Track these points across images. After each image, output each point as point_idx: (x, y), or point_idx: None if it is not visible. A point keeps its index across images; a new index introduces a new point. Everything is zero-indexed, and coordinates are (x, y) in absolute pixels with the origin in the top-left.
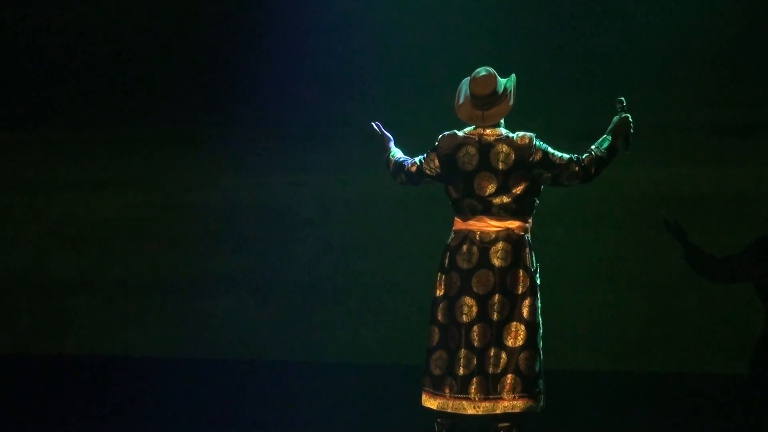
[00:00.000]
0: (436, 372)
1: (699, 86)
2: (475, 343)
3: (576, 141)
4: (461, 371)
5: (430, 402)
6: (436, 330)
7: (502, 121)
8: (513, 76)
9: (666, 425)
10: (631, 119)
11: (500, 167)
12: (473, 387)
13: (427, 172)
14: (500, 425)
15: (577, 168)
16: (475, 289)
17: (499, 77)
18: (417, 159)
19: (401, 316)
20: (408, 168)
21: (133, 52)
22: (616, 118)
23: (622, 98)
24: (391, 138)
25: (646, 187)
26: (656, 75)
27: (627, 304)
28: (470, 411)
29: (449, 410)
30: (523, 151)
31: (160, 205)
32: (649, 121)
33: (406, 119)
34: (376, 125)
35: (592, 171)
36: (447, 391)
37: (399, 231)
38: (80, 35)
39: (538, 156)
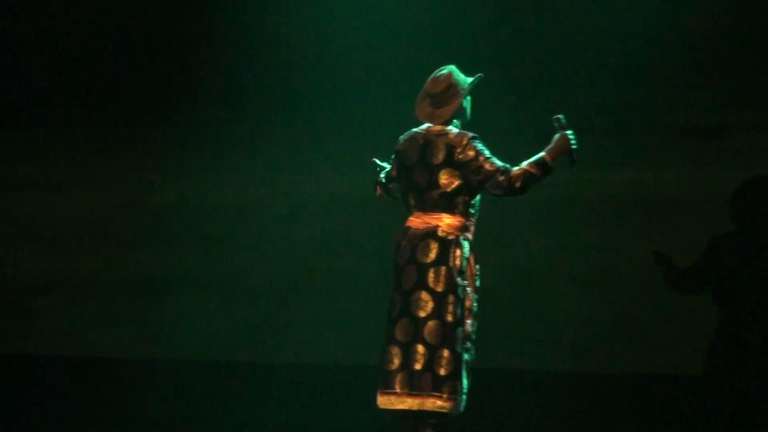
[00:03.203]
0: (381, 367)
1: (665, 87)
2: (400, 338)
3: (544, 143)
4: (389, 366)
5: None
6: (386, 326)
7: (456, 121)
8: (477, 77)
9: (629, 426)
10: (572, 136)
11: (433, 162)
12: (398, 383)
13: (393, 174)
14: (427, 422)
15: (502, 178)
16: (403, 285)
17: (456, 76)
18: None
19: (368, 317)
20: (380, 179)
21: (96, 52)
22: (556, 136)
23: (560, 116)
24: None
25: (612, 188)
26: (622, 75)
27: (591, 305)
28: (398, 406)
29: (381, 406)
30: (454, 148)
31: (126, 205)
32: (616, 123)
33: (378, 118)
34: (376, 161)
35: (518, 185)
36: (381, 386)
37: (366, 231)
38: (43, 34)
39: (466, 157)
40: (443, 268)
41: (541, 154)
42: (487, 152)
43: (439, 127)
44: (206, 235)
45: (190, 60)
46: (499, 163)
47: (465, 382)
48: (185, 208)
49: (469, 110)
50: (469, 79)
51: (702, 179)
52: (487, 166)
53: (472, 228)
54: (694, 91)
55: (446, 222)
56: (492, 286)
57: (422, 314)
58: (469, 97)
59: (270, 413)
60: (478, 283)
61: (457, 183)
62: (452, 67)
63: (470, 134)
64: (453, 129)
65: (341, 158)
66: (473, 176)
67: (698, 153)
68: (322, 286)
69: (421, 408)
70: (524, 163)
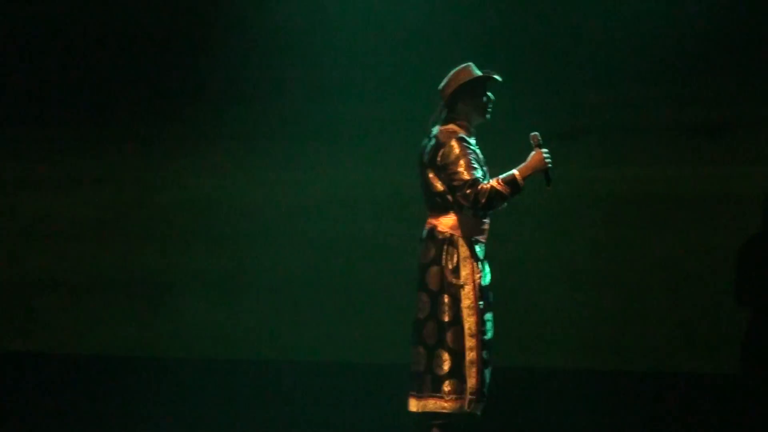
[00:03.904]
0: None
1: (669, 86)
2: (416, 340)
3: (557, 142)
4: (411, 368)
5: None
6: None
7: (465, 121)
8: (474, 77)
9: (639, 424)
10: (547, 154)
11: (424, 160)
12: (415, 384)
13: None
14: (434, 423)
15: (468, 191)
16: (418, 286)
17: (459, 74)
18: None
19: (376, 315)
20: None
21: (109, 53)
22: (531, 154)
23: (536, 133)
24: None
25: (618, 186)
26: (628, 74)
27: (600, 302)
28: (412, 408)
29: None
30: (437, 149)
31: (133, 204)
32: (621, 121)
33: (385, 118)
34: None
35: (483, 201)
36: (407, 388)
37: (374, 229)
38: (55, 31)
39: (446, 159)
40: (435, 268)
41: (513, 171)
42: (471, 159)
43: (441, 126)
44: (214, 233)
45: (196, 58)
46: (476, 174)
47: (473, 381)
48: (191, 206)
49: (476, 111)
50: (476, 75)
51: (705, 177)
52: (464, 174)
53: (483, 227)
54: (697, 90)
55: (443, 221)
56: (499, 284)
57: (421, 315)
58: (489, 95)
59: (276, 412)
60: (485, 282)
61: (441, 183)
62: (466, 65)
63: (458, 136)
64: (450, 128)
65: (348, 157)
66: (449, 181)
67: (701, 151)
68: (329, 284)
69: (424, 410)
70: (493, 180)
